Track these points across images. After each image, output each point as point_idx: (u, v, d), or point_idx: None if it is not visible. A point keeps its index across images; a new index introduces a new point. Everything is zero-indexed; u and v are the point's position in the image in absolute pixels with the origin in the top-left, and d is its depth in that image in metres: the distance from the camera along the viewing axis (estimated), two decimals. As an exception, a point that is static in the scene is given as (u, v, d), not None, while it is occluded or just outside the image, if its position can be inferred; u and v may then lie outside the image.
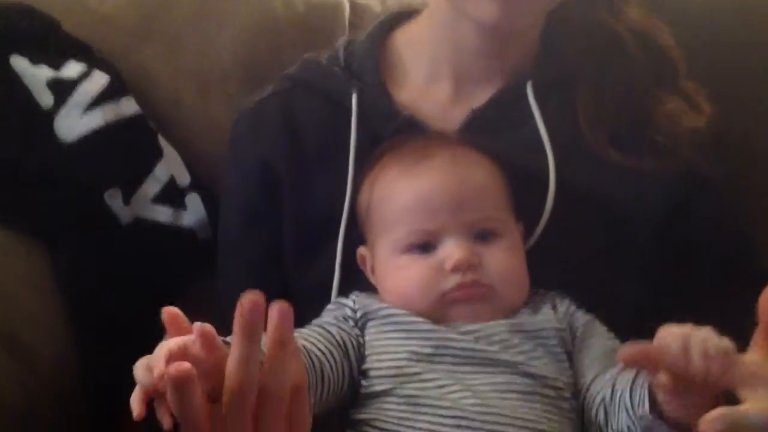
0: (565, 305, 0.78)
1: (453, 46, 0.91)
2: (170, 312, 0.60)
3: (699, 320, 0.82)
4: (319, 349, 0.71)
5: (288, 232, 0.91)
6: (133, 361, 1.07)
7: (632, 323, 0.79)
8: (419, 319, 0.73)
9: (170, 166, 1.10)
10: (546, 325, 0.74)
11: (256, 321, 0.54)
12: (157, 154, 1.10)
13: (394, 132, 0.87)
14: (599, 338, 0.76)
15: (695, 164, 0.86)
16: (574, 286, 0.78)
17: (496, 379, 0.70)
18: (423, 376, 0.70)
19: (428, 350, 0.71)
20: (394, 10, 1.20)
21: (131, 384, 1.05)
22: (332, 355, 0.71)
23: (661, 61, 0.91)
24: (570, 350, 0.75)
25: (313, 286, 0.87)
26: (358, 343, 0.74)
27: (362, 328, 0.75)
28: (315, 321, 0.77)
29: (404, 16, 1.00)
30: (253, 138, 0.95)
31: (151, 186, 1.09)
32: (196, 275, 1.13)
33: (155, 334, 1.06)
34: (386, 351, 0.73)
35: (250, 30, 1.18)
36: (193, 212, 1.11)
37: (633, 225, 0.85)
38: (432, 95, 0.93)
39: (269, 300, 0.91)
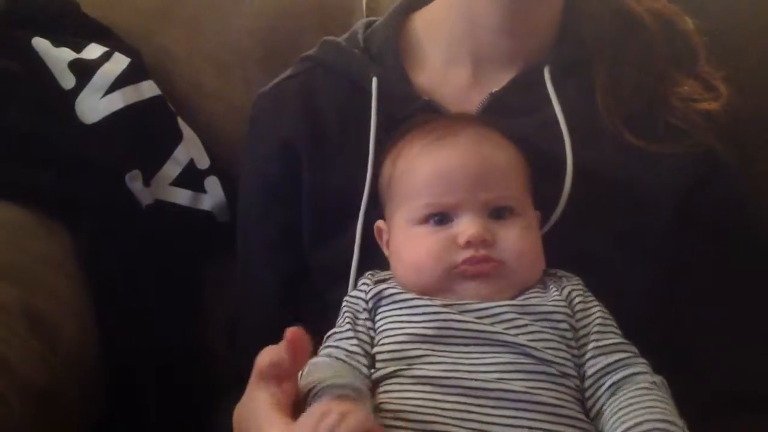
0: (570, 288, 0.77)
1: (471, 24, 0.90)
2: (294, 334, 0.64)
3: (710, 306, 0.84)
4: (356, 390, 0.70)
5: (307, 212, 0.91)
6: (153, 341, 1.09)
7: (644, 309, 0.80)
8: (423, 299, 0.73)
9: (190, 149, 1.11)
10: (556, 309, 0.74)
11: None
12: (177, 137, 1.11)
13: (413, 115, 0.87)
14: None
15: (711, 147, 0.86)
16: (589, 270, 0.78)
17: (500, 359, 0.70)
18: (427, 358, 0.70)
19: (432, 331, 0.71)
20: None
21: (150, 363, 1.07)
22: (364, 384, 0.71)
23: (681, 44, 0.91)
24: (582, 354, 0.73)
25: (331, 267, 0.87)
26: (372, 336, 0.75)
27: (374, 315, 0.76)
28: (336, 338, 0.75)
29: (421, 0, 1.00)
30: (273, 117, 0.95)
31: (171, 168, 1.10)
32: (215, 257, 1.14)
33: (174, 313, 1.09)
34: (391, 331, 0.73)
35: (269, 13, 1.18)
36: (212, 195, 1.12)
37: (650, 208, 0.84)
38: (451, 79, 0.92)
39: (291, 280, 0.92)
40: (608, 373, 0.71)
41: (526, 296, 0.74)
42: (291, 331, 0.63)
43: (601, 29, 0.90)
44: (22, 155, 1.05)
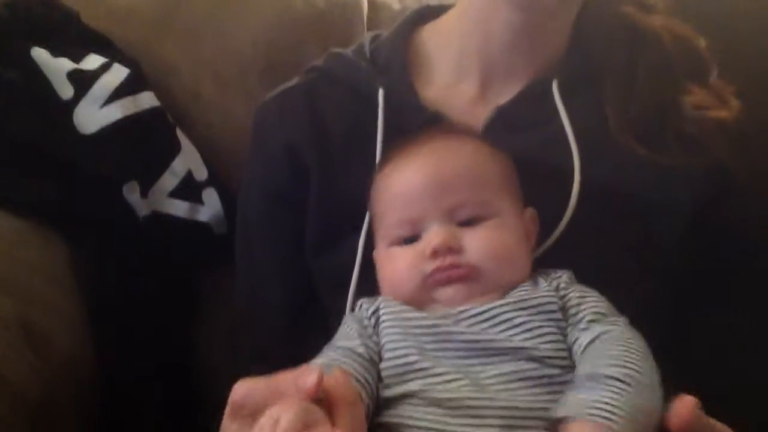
0: (557, 280, 0.77)
1: (483, 39, 0.91)
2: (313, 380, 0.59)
3: (716, 324, 0.83)
4: (357, 380, 0.70)
5: (312, 219, 0.91)
6: (148, 352, 1.08)
7: (651, 324, 0.78)
8: (418, 313, 0.74)
9: (188, 161, 1.11)
10: (549, 299, 0.73)
11: None
12: (176, 149, 1.11)
13: (419, 127, 0.87)
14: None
15: (723, 160, 0.86)
16: (595, 283, 0.77)
17: (503, 368, 0.69)
18: (430, 371, 0.70)
19: (431, 345, 0.71)
20: (415, 6, 1.21)
21: (145, 375, 1.06)
22: (368, 381, 0.71)
23: (692, 57, 0.91)
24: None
25: (332, 276, 0.87)
26: (378, 346, 0.74)
27: (377, 331, 0.75)
28: (342, 340, 0.75)
29: (430, 13, 0.99)
30: (279, 123, 0.95)
31: (169, 180, 1.09)
32: (211, 269, 1.14)
33: (170, 325, 1.08)
34: (392, 351, 0.72)
35: (270, 25, 1.19)
36: (210, 207, 1.12)
37: (659, 222, 0.84)
38: (458, 92, 0.93)
39: (299, 287, 0.91)
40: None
41: (518, 291, 0.74)
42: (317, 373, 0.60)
43: (613, 43, 0.91)
44: (19, 164, 1.05)
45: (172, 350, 1.10)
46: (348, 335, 0.75)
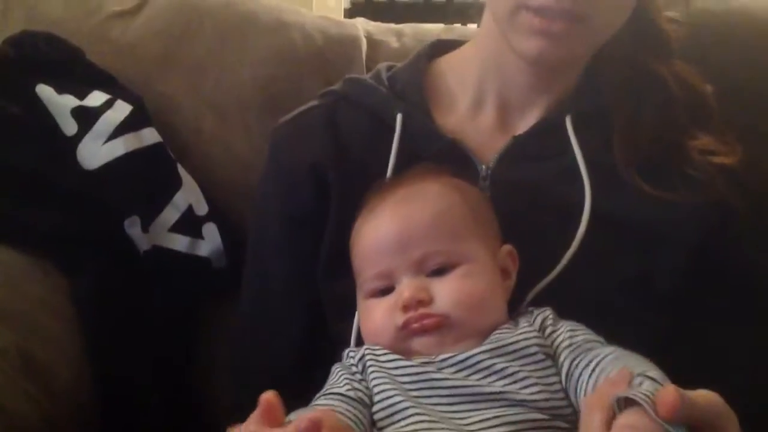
0: (541, 317, 0.77)
1: (499, 77, 0.93)
2: (269, 400, 0.62)
3: (718, 356, 0.84)
4: (351, 420, 0.71)
5: (326, 242, 0.90)
6: (149, 385, 1.07)
7: (653, 352, 0.78)
8: (403, 360, 0.74)
9: (189, 196, 1.12)
10: (528, 342, 0.73)
11: None
12: (177, 184, 1.12)
13: (435, 155, 0.89)
14: (595, 352, 0.74)
15: (725, 198, 0.87)
16: (599, 314, 0.77)
17: (485, 414, 0.69)
18: (415, 416, 0.70)
19: (416, 392, 0.72)
20: (413, 44, 1.23)
21: (145, 406, 1.06)
22: (361, 421, 0.71)
23: (698, 102, 0.93)
24: (559, 364, 0.73)
25: (339, 303, 0.87)
26: (369, 390, 0.75)
27: (366, 377, 0.76)
28: (330, 388, 0.76)
29: (444, 46, 1.01)
30: (299, 143, 0.95)
31: (170, 215, 1.10)
32: (210, 303, 1.15)
33: (169, 358, 1.09)
34: (380, 393, 0.73)
35: (270, 61, 1.20)
36: (210, 242, 1.12)
37: (664, 254, 0.85)
38: (476, 122, 0.94)
39: (315, 309, 0.91)
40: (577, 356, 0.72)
41: (497, 335, 0.74)
42: (266, 397, 0.62)
43: (622, 83, 0.92)
44: (22, 198, 1.06)
45: (172, 381, 1.10)
46: (337, 383, 0.75)
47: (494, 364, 0.72)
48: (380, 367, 0.75)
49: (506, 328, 0.75)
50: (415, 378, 0.72)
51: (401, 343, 0.75)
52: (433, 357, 0.73)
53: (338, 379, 0.76)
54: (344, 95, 0.97)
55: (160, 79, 1.20)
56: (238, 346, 0.99)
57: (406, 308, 0.75)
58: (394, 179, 0.85)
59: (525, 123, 0.93)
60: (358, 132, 0.93)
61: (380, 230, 0.79)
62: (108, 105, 1.10)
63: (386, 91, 0.95)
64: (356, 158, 0.92)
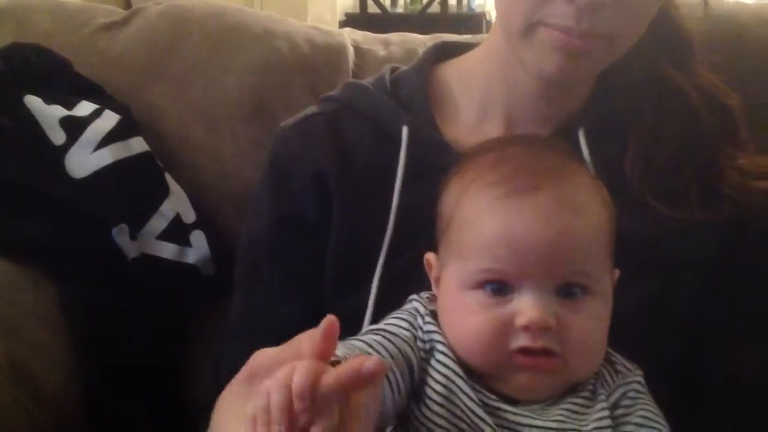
0: (621, 391, 0.71)
1: (507, 89, 0.90)
2: (334, 325, 0.57)
3: (732, 376, 0.84)
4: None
5: (331, 253, 0.87)
6: (137, 392, 1.07)
7: (665, 378, 0.78)
8: (470, 398, 0.67)
9: (176, 204, 1.13)
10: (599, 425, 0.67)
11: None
12: (164, 192, 1.12)
13: (442, 168, 0.81)
14: None
15: (741, 215, 0.85)
16: (612, 335, 0.73)
17: None
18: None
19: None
20: (400, 53, 1.23)
21: (134, 414, 1.06)
22: (396, 375, 0.66)
23: (722, 118, 0.89)
24: None
25: (342, 317, 0.85)
26: (420, 368, 0.69)
27: (427, 361, 0.70)
28: (391, 323, 0.71)
29: (449, 49, 0.98)
30: (303, 149, 0.91)
31: (158, 223, 1.11)
32: (198, 310, 1.15)
33: (157, 365, 1.09)
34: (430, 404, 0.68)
35: (256, 70, 1.20)
36: (198, 249, 1.13)
37: (679, 274, 0.83)
38: (482, 134, 0.89)
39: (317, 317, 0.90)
40: None
41: (571, 406, 0.68)
42: (329, 320, 0.57)
43: (640, 95, 0.89)
44: (10, 207, 1.07)
45: (160, 387, 1.11)
46: (399, 331, 0.70)
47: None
48: (444, 381, 0.68)
49: (583, 398, 0.69)
50: (472, 420, 0.67)
51: (495, 369, 0.68)
52: (503, 404, 0.67)
53: (403, 330, 0.71)
54: (347, 103, 0.94)
55: (148, 89, 1.21)
56: (226, 350, 0.95)
57: (527, 329, 0.66)
58: (523, 158, 0.73)
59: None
60: (362, 142, 0.90)
61: (529, 228, 0.67)
62: (96, 114, 1.11)
63: (390, 101, 0.92)
64: (360, 169, 0.89)
